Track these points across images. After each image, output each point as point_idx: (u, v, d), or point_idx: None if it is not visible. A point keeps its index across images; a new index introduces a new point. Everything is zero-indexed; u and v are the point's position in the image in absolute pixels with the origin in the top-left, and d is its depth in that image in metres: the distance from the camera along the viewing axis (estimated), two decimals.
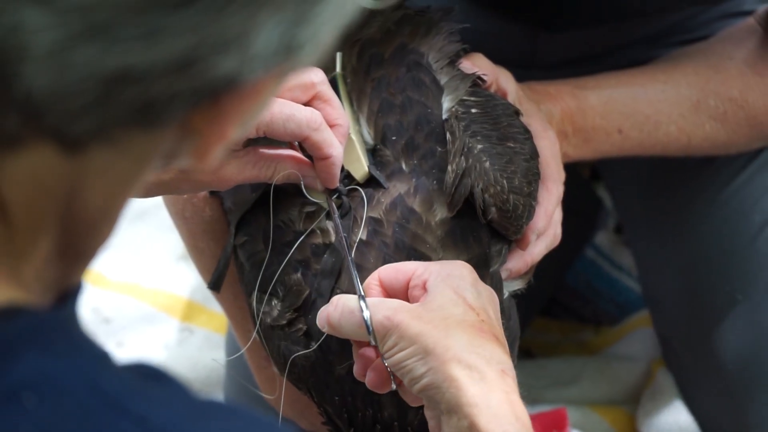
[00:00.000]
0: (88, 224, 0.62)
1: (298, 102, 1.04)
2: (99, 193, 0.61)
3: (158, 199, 1.26)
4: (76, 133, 0.58)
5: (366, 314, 0.95)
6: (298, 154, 1.07)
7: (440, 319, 0.93)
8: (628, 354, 1.62)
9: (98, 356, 0.61)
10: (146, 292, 1.72)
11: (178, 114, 0.59)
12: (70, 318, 0.62)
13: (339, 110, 1.06)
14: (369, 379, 0.98)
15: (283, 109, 1.01)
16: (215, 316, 1.68)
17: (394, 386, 0.97)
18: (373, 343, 0.95)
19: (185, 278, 1.72)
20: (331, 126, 1.05)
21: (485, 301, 0.97)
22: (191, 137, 0.62)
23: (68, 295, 0.63)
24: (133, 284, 1.73)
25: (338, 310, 0.97)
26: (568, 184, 1.22)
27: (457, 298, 0.95)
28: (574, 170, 1.77)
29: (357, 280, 1.03)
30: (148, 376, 0.63)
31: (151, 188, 1.05)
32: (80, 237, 0.63)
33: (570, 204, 1.25)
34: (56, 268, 0.62)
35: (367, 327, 0.95)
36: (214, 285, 1.15)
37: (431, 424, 0.93)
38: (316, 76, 1.05)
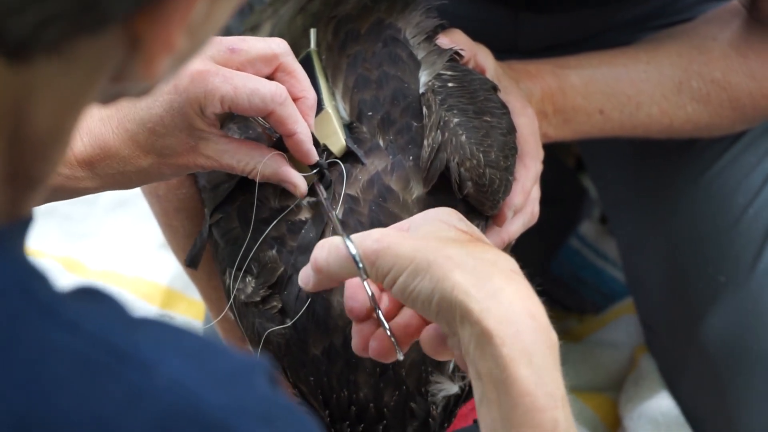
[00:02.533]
0: (38, 146, 0.61)
1: (261, 75, 1.02)
2: (47, 111, 0.61)
3: (138, 189, 1.25)
4: (17, 34, 0.57)
5: (352, 248, 0.86)
6: (281, 153, 1.05)
7: (433, 237, 0.86)
8: (612, 341, 1.62)
9: (34, 270, 0.61)
10: (126, 280, 1.71)
11: (118, 12, 0.58)
12: (11, 238, 0.61)
13: (304, 82, 1.04)
14: (373, 350, 0.89)
15: (247, 83, 1.00)
16: (194, 303, 1.67)
17: (401, 356, 0.89)
18: (364, 276, 0.86)
19: (165, 266, 1.71)
20: (296, 99, 1.03)
21: (476, 231, 0.90)
22: (137, 50, 0.60)
23: (17, 222, 0.62)
24: (112, 272, 1.72)
25: (324, 250, 0.89)
26: (553, 174, 1.20)
27: (447, 226, 0.88)
28: (559, 160, 1.76)
29: (338, 224, 1.01)
30: (85, 293, 0.62)
31: (132, 177, 1.04)
32: (30, 160, 0.62)
33: (555, 193, 1.24)
34: (6, 193, 0.61)
35: (354, 259, 0.86)
36: (191, 262, 1.13)
37: (456, 354, 0.85)
38: (279, 47, 1.03)
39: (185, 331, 0.62)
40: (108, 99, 0.66)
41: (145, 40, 0.60)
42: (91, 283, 0.63)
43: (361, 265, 0.86)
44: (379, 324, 0.89)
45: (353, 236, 0.87)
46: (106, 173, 1.03)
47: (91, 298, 0.62)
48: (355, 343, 0.91)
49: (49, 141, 0.62)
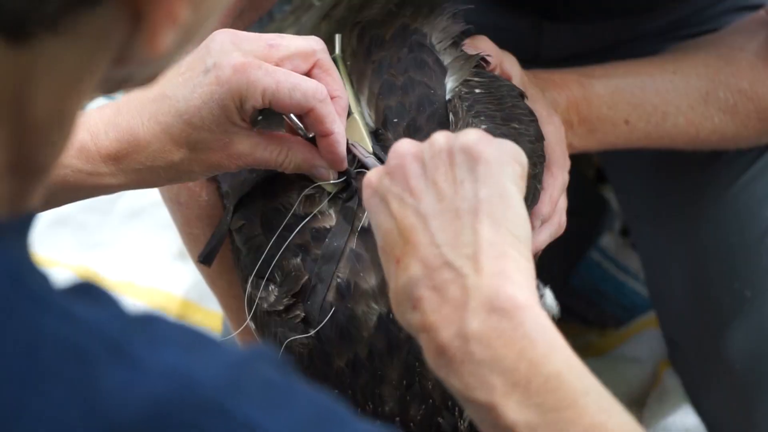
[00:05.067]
0: (41, 131, 0.60)
1: (299, 71, 1.01)
2: (50, 93, 0.59)
3: (155, 198, 1.23)
4: (14, 9, 0.55)
5: None
6: (310, 144, 1.04)
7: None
8: (634, 355, 1.60)
9: (30, 264, 0.59)
10: (141, 291, 1.70)
11: None
12: (10, 231, 0.60)
13: (338, 82, 1.03)
14: None
15: (289, 78, 0.98)
16: (211, 314, 1.65)
17: None
18: None
19: (181, 277, 1.70)
20: (331, 98, 1.02)
21: (387, 213, 0.84)
22: (139, 23, 0.59)
23: (19, 216, 0.61)
24: (128, 282, 1.71)
25: None
26: (573, 185, 1.19)
27: (380, 251, 0.84)
28: (579, 172, 1.75)
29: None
30: (81, 288, 0.60)
31: (161, 173, 1.02)
32: (33, 147, 0.60)
33: (575, 205, 1.22)
34: (10, 183, 0.60)
35: None
36: (205, 258, 1.11)
37: None
38: (317, 44, 1.02)
39: (182, 325, 0.61)
40: (113, 86, 0.64)
41: (146, 13, 0.59)
42: (86, 280, 0.61)
43: None
44: None
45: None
46: (133, 168, 1.02)
47: (87, 292, 0.60)
48: None
49: (52, 125, 0.60)
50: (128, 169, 1.02)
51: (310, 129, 1.03)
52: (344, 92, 1.03)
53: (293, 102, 0.99)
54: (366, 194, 0.86)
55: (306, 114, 1.01)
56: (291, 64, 1.00)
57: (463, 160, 0.82)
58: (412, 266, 0.80)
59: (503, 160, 0.82)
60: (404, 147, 0.86)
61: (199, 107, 0.99)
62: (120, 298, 0.61)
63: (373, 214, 0.85)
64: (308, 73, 1.02)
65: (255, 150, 1.01)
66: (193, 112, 0.99)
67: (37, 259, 0.61)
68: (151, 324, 0.60)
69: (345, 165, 1.03)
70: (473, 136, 0.83)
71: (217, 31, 1.00)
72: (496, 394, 0.75)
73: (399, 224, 0.82)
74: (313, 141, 1.04)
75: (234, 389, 0.58)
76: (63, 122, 0.61)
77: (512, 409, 0.75)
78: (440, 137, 0.85)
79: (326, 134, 1.01)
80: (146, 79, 0.65)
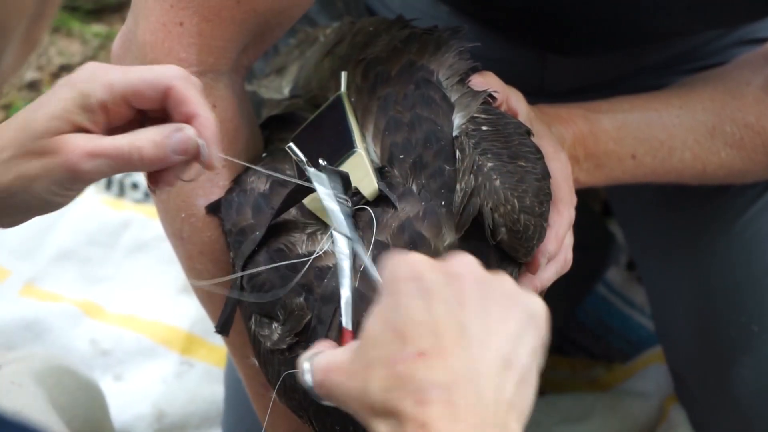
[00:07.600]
0: None
1: (145, 102, 0.92)
2: None
3: (159, 232, 1.22)
4: None
5: (308, 377, 0.87)
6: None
7: (364, 368, 0.82)
8: (641, 390, 1.59)
9: None
10: (145, 325, 1.69)
11: None
12: None
13: (201, 105, 0.92)
14: None
15: (138, 67, 0.92)
16: (215, 349, 1.64)
17: None
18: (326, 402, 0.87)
19: (185, 311, 1.69)
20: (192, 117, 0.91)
21: (426, 309, 0.82)
22: None
23: None
24: (132, 316, 1.70)
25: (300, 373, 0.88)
26: (579, 219, 1.18)
27: (384, 332, 0.82)
28: (585, 205, 1.74)
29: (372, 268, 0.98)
30: None
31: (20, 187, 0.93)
32: None
33: (581, 239, 1.21)
34: None
35: (312, 393, 0.87)
36: (222, 328, 1.10)
37: None
38: (171, 71, 0.91)
39: None
40: None
41: None
42: None
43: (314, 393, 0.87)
44: None
45: (316, 356, 0.87)
46: None
47: None
48: None
49: None
50: None
51: (173, 114, 0.92)
52: (209, 113, 0.93)
53: (146, 82, 0.89)
54: (402, 272, 0.84)
55: (165, 98, 0.91)
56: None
57: (523, 317, 0.83)
58: (438, 371, 0.79)
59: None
60: (468, 261, 0.85)
61: (35, 110, 0.91)
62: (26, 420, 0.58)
63: (401, 294, 0.83)
64: (160, 107, 0.93)
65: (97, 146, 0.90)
66: (30, 115, 0.91)
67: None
68: None
69: (217, 145, 0.93)
70: (539, 306, 0.84)
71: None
72: None
73: (439, 328, 0.81)
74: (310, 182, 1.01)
75: None
76: None
77: None
78: (508, 282, 0.85)
79: (192, 116, 0.91)
80: None
